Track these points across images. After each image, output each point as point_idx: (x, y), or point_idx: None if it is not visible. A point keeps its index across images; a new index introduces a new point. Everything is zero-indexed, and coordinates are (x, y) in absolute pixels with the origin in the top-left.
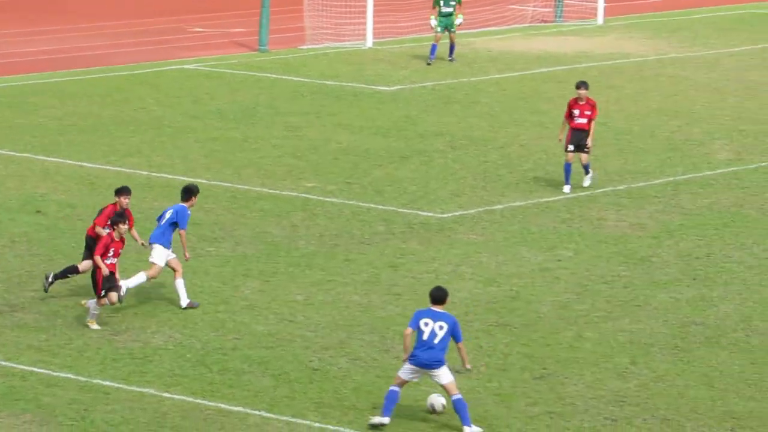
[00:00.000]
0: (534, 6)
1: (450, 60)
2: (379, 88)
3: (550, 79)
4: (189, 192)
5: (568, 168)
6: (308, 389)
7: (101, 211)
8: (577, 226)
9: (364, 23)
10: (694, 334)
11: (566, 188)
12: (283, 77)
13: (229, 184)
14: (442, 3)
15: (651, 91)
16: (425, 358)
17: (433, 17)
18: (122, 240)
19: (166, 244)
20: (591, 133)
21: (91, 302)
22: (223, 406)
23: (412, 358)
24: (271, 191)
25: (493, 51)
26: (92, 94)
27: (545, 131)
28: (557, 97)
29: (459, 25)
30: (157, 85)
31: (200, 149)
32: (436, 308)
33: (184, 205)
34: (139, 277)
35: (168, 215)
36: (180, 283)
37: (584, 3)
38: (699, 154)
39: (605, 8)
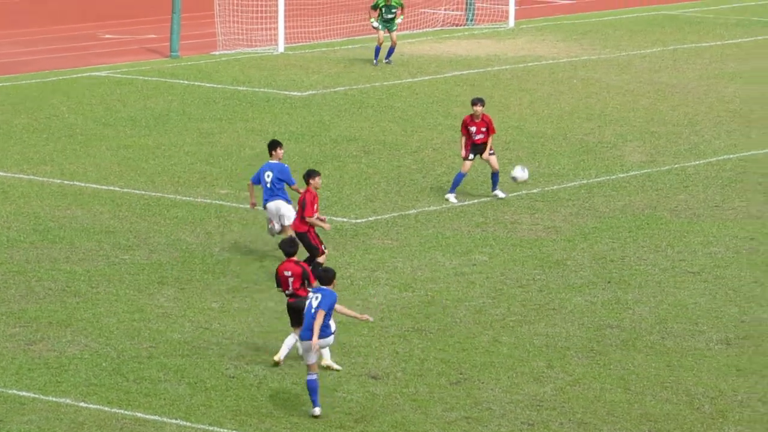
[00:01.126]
0: (445, 9)
1: (387, 62)
2: (291, 93)
3: (462, 82)
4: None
5: (459, 178)
6: (225, 397)
7: (303, 205)
8: (491, 230)
9: (276, 28)
10: (609, 337)
11: (451, 197)
12: (196, 83)
13: (143, 192)
14: (384, 10)
15: (563, 94)
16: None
17: (373, 19)
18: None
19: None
20: (489, 145)
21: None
22: (139, 415)
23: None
24: (184, 198)
25: (405, 55)
26: (4, 102)
27: (459, 135)
28: (470, 100)
29: (399, 24)
30: (69, 92)
31: (113, 157)
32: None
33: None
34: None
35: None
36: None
37: (495, 6)
38: (612, 156)
39: (516, 11)
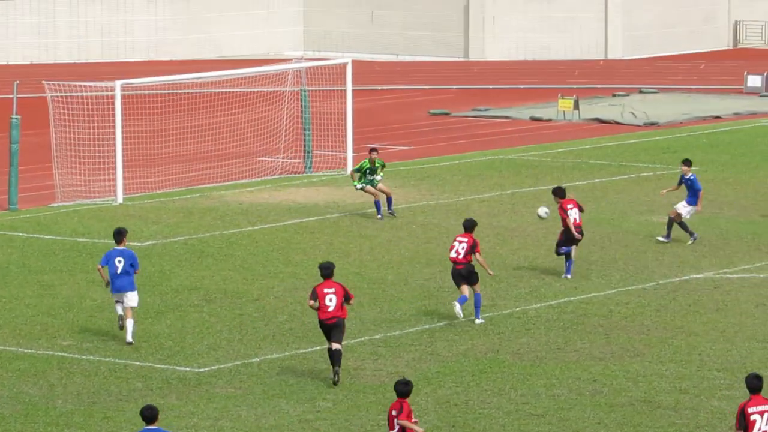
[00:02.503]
0: (283, 157)
1: (390, 213)
2: (131, 243)
3: (302, 230)
4: None
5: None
6: None
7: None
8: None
9: (114, 179)
10: None
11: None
12: (35, 236)
13: None
14: (368, 171)
15: (403, 240)
16: None
17: (355, 182)
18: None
19: None
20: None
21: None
22: None
23: None
24: (26, 351)
25: (244, 203)
26: None
27: (300, 282)
28: (310, 247)
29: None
30: None
31: None
32: None
33: None
34: None
35: None
36: None
37: (333, 153)
38: (453, 301)
39: (354, 158)
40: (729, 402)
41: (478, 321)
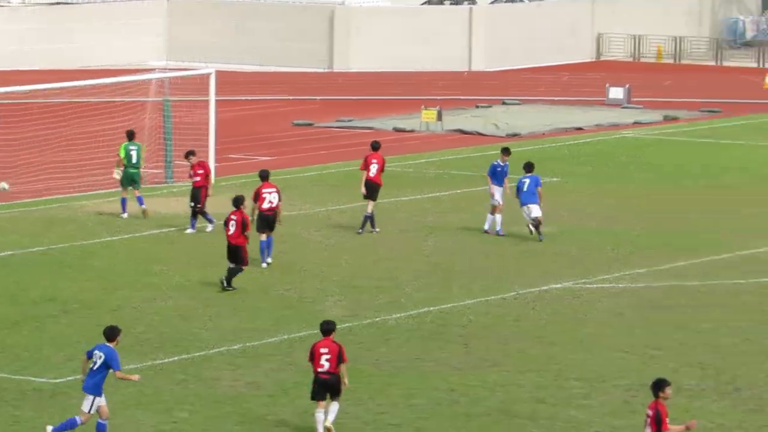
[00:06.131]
0: (145, 168)
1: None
2: None
3: (162, 240)
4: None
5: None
6: None
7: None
8: (192, 387)
9: None
10: None
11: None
12: None
13: None
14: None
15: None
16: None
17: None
18: None
19: None
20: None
21: None
22: None
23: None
24: None
25: (104, 213)
26: None
27: (158, 293)
28: (170, 258)
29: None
30: None
31: None
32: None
33: None
34: None
35: None
36: None
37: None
38: (313, 311)
39: (217, 168)
40: (585, 411)
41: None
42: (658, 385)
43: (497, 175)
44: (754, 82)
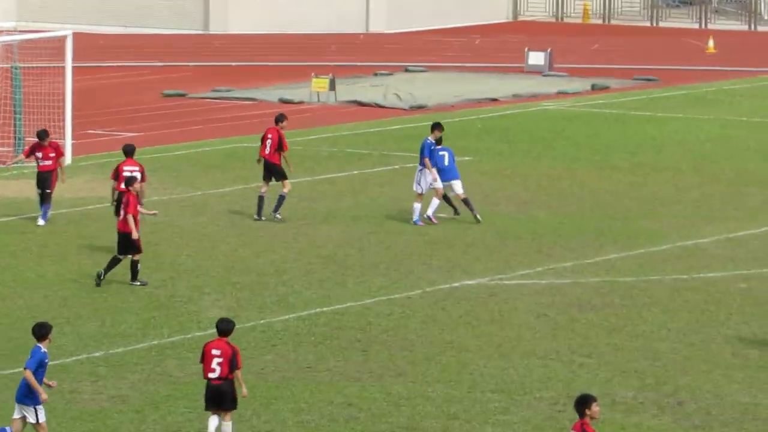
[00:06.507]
0: None
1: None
2: None
3: (10, 229)
4: None
5: None
6: None
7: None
8: (49, 400)
9: None
10: None
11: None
12: None
13: None
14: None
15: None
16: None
17: None
18: None
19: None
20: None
21: None
22: None
23: None
24: None
25: None
26: None
27: (6, 290)
28: (20, 250)
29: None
30: None
31: None
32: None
33: None
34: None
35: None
36: None
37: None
38: (187, 312)
39: (74, 146)
40: (504, 428)
41: None
42: (584, 402)
43: (434, 156)
44: (695, 45)
